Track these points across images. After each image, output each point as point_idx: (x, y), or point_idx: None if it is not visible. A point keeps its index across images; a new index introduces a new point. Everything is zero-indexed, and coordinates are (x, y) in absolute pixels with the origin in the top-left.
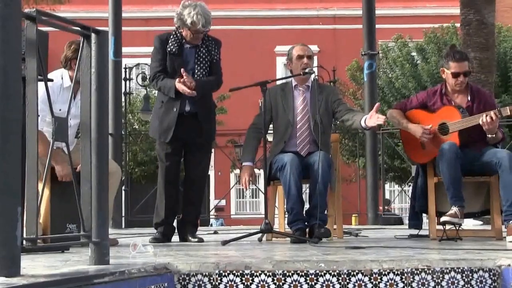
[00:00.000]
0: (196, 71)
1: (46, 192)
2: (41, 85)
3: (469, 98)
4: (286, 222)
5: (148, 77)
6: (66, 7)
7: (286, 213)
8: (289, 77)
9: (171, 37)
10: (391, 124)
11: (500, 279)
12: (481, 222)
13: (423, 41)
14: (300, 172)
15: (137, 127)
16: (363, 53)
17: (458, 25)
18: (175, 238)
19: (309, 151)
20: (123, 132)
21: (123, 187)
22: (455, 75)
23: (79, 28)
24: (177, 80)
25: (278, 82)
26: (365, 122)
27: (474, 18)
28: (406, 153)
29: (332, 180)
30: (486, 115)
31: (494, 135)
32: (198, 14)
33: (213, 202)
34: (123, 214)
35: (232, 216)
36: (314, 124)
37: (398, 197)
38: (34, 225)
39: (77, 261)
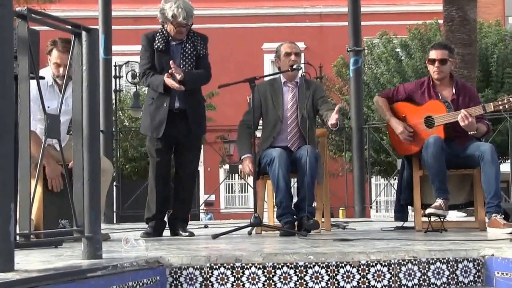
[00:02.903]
0: (182, 66)
1: (39, 188)
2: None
3: (454, 92)
4: (275, 215)
5: (137, 74)
6: (56, 6)
7: (275, 206)
8: (278, 73)
9: (157, 34)
10: (376, 119)
11: (484, 268)
12: (464, 214)
13: (407, 37)
14: (289, 166)
15: (127, 124)
16: (349, 49)
17: (441, 21)
18: (166, 232)
19: (299, 146)
20: (113, 129)
21: (114, 183)
22: (431, 62)
23: (70, 27)
24: (165, 75)
25: (266, 79)
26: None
27: (457, 15)
28: (392, 146)
29: (319, 174)
30: (464, 114)
31: (475, 132)
32: (179, 7)
33: (202, 197)
34: (114, 210)
35: (221, 211)
36: (301, 119)
37: (384, 191)
38: (27, 221)
39: (70, 255)
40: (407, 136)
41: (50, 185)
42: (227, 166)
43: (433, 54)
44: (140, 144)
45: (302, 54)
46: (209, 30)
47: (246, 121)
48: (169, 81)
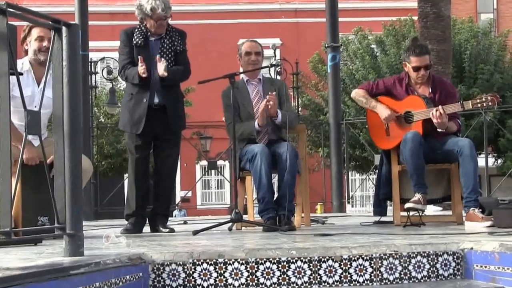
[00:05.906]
0: None
1: (18, 185)
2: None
3: (430, 90)
4: (257, 211)
5: (113, 70)
6: (29, 1)
7: (257, 202)
8: (262, 68)
9: (136, 30)
10: (352, 115)
11: (463, 261)
12: (440, 208)
13: (382, 33)
14: (271, 162)
15: (103, 120)
16: (326, 45)
17: (415, 18)
18: (146, 229)
19: (270, 138)
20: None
21: (91, 180)
22: (416, 69)
23: (50, 22)
24: (140, 60)
25: (242, 76)
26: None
27: (431, 11)
28: (372, 139)
29: (299, 166)
30: (436, 110)
31: (443, 130)
32: (156, 0)
33: (179, 194)
34: (92, 207)
35: (198, 207)
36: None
37: (360, 186)
38: (9, 218)
39: (51, 253)
40: (390, 120)
41: (26, 161)
42: (203, 162)
43: (417, 61)
44: (116, 141)
45: (278, 50)
46: (185, 26)
47: (228, 119)
48: (140, 69)
